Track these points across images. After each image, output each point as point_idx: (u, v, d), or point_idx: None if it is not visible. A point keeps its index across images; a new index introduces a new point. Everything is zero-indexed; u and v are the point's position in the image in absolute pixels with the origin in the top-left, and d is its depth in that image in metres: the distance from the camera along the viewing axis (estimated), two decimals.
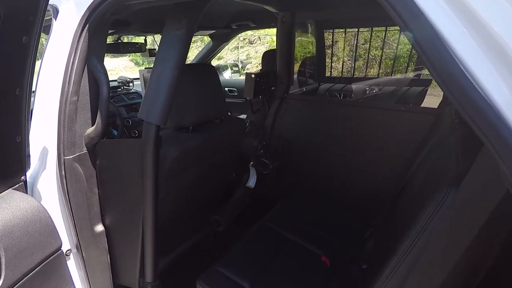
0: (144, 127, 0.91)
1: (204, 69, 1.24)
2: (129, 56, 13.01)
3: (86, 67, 0.91)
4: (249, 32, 11.60)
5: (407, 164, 1.50)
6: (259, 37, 11.53)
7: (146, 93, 0.90)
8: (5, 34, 0.60)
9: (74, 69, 0.87)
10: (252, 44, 11.92)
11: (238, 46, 11.57)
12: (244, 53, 11.69)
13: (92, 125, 0.98)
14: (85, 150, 0.98)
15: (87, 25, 0.87)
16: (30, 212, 0.71)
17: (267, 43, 11.00)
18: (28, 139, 0.88)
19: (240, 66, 3.51)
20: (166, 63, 0.87)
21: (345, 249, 1.38)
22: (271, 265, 1.25)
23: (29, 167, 0.87)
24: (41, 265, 0.73)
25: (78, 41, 0.87)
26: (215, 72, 1.27)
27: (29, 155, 0.86)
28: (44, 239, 0.73)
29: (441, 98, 1.98)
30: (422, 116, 1.50)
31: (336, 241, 1.42)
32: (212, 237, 1.75)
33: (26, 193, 0.80)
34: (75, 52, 0.87)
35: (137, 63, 12.77)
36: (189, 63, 1.09)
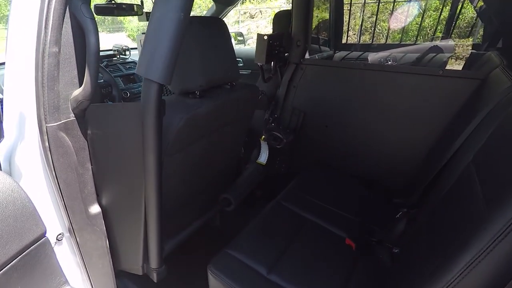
0: (143, 86, 0.73)
1: (214, 23, 1.05)
2: (126, 32, 12.51)
3: (68, 10, 0.72)
4: (250, 5, 11.11)
5: (442, 135, 1.34)
6: (260, 11, 11.07)
7: (144, 43, 0.71)
8: None
9: (52, 11, 0.68)
10: (253, 18, 11.44)
11: (238, 20, 11.12)
12: (245, 28, 11.25)
13: (80, 86, 0.80)
14: (72, 117, 0.81)
15: None
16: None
17: (269, 17, 10.56)
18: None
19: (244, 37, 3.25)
20: (169, 3, 0.68)
21: (370, 230, 1.24)
22: (289, 249, 1.12)
23: (3, 137, 0.70)
24: (18, 257, 0.58)
25: None
26: (226, 27, 1.07)
27: (1, 122, 0.69)
28: (21, 225, 0.58)
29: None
30: (463, 81, 1.31)
31: (360, 222, 1.29)
32: (219, 217, 1.62)
33: None
34: None
35: (134, 40, 12.28)
36: (196, 15, 0.90)
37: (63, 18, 0.71)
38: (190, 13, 0.73)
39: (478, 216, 0.59)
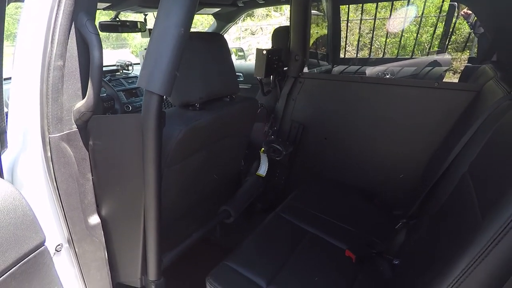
0: (144, 98, 0.76)
1: (214, 38, 1.08)
2: (129, 48, 12.78)
3: (73, 26, 0.75)
4: (251, 22, 11.37)
5: (440, 146, 1.35)
6: (261, 28, 11.32)
7: (146, 57, 0.74)
8: None
9: (58, 27, 0.71)
10: (254, 34, 11.68)
11: (240, 37, 11.35)
12: (246, 44, 11.47)
13: (83, 98, 0.83)
14: (75, 128, 0.83)
15: None
16: (1, 199, 0.57)
17: (269, 33, 10.78)
18: (4, 112, 0.73)
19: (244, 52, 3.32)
20: (170, 18, 0.71)
21: (370, 242, 1.23)
22: (288, 261, 1.11)
23: (6, 147, 0.72)
24: (17, 265, 0.58)
25: None
26: (225, 42, 1.11)
27: (6, 132, 0.71)
28: (21, 233, 0.59)
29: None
30: (459, 93, 1.34)
31: (359, 233, 1.28)
32: (219, 230, 1.61)
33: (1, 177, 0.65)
34: (58, 6, 0.71)
35: (137, 56, 12.50)
36: (196, 31, 0.93)
37: (69, 34, 0.74)
38: (190, 28, 0.76)
39: (474, 224, 0.59)
